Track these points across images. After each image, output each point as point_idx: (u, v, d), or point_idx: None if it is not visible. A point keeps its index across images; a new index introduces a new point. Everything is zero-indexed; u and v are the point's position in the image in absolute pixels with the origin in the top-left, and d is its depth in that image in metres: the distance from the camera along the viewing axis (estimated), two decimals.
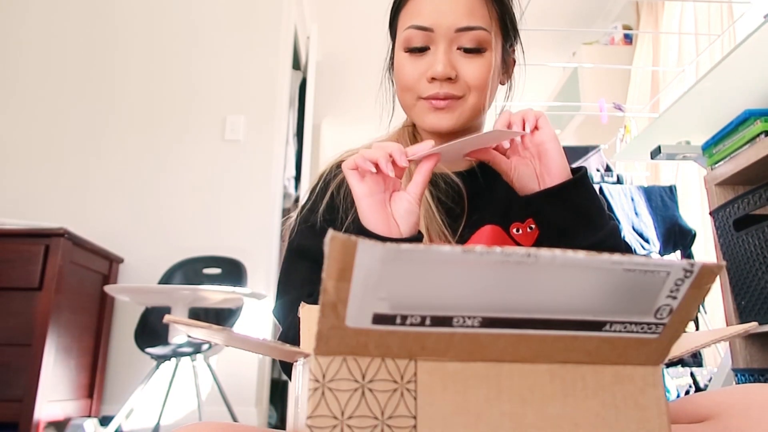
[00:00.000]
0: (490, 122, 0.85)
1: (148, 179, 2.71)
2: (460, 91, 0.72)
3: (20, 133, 2.76)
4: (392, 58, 0.81)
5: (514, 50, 0.81)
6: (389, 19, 0.80)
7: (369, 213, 0.62)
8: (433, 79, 0.71)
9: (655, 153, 1.83)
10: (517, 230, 0.76)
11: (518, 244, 0.75)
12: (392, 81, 0.84)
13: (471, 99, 0.73)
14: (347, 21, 3.85)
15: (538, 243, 0.75)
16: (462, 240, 0.74)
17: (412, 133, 0.82)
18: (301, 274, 0.73)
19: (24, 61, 2.85)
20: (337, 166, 0.80)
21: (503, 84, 0.82)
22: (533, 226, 0.75)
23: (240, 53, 2.89)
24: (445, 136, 0.76)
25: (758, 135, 1.44)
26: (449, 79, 0.71)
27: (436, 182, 0.77)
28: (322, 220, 0.75)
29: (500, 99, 0.85)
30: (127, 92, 2.83)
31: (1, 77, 2.83)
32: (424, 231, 0.71)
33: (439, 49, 0.71)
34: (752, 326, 0.37)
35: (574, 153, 2.61)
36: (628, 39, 3.48)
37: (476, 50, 0.72)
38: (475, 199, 0.77)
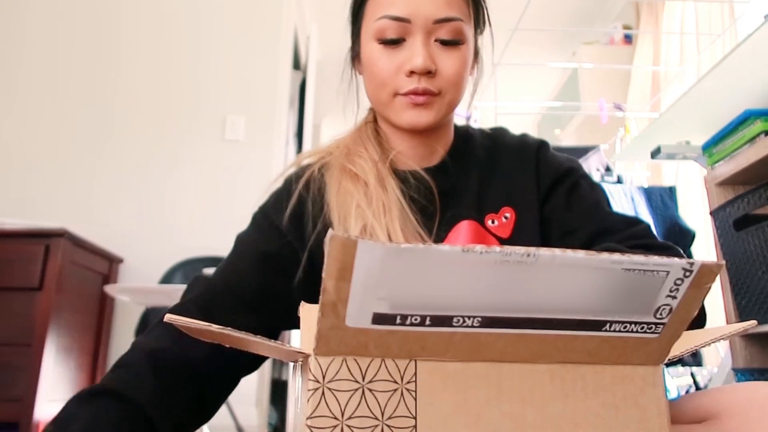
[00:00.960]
0: (456, 119, 0.83)
1: (148, 179, 2.71)
2: (437, 86, 0.69)
3: (21, 134, 2.76)
4: (355, 49, 0.77)
5: (478, 38, 0.77)
6: (353, 8, 0.76)
7: None
8: (412, 72, 0.67)
9: (655, 153, 1.83)
10: (493, 222, 0.73)
11: (495, 235, 0.73)
12: (355, 73, 0.79)
13: (448, 95, 0.70)
14: (347, 21, 3.85)
15: (516, 231, 0.72)
16: (439, 239, 0.71)
17: (374, 129, 0.78)
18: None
19: (25, 62, 2.85)
20: (300, 172, 0.77)
21: (471, 75, 0.78)
22: (508, 215, 0.73)
23: (240, 53, 2.89)
24: (420, 132, 0.73)
25: (758, 135, 1.44)
26: (428, 72, 0.68)
27: (406, 179, 0.73)
28: (288, 225, 0.72)
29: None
30: (128, 92, 2.83)
31: (3, 78, 2.83)
32: (399, 231, 0.68)
33: (417, 41, 0.67)
34: (751, 324, 0.36)
35: (574, 153, 2.61)
36: (628, 39, 3.48)
37: (454, 42, 0.69)
38: (446, 194, 0.74)
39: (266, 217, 0.75)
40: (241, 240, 0.76)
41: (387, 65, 0.69)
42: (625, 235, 0.68)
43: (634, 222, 0.71)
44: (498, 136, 0.82)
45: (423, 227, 0.70)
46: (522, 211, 0.74)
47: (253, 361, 0.69)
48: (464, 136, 0.81)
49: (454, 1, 0.68)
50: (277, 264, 0.71)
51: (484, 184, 0.76)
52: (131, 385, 0.57)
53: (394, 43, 0.69)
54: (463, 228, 0.73)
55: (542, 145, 0.80)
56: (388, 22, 0.68)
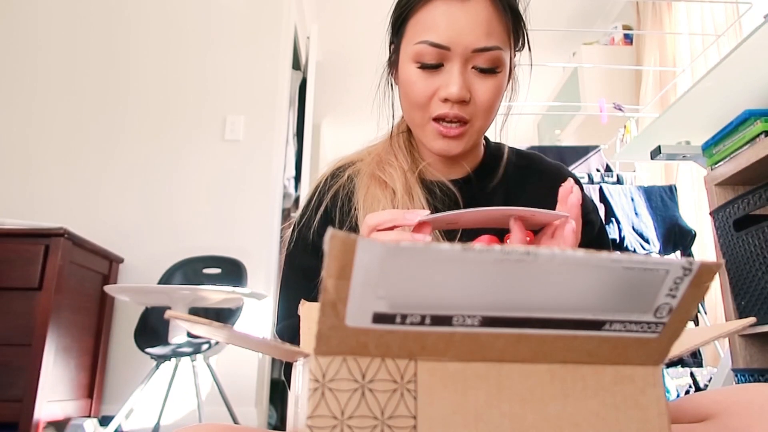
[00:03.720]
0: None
1: (147, 179, 2.71)
2: (469, 114, 0.70)
3: (21, 134, 2.76)
4: (393, 62, 0.78)
5: (515, 56, 0.78)
6: (393, 23, 0.76)
7: None
8: (447, 99, 0.68)
9: (655, 153, 1.83)
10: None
11: None
12: (392, 86, 0.81)
13: (478, 122, 0.71)
14: (347, 21, 3.85)
15: None
16: None
17: (408, 139, 0.80)
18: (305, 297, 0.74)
19: (27, 64, 2.86)
20: (331, 177, 0.79)
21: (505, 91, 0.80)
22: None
23: (240, 53, 2.89)
24: (449, 158, 0.76)
25: (758, 135, 1.44)
26: (463, 101, 0.69)
27: (433, 190, 0.76)
28: (316, 235, 0.75)
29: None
30: (127, 93, 2.83)
31: (3, 80, 2.83)
32: None
33: (455, 68, 0.68)
34: (750, 321, 0.37)
35: (574, 153, 2.61)
36: (628, 39, 3.48)
37: (491, 70, 0.69)
38: (471, 207, 0.76)
39: (300, 231, 0.78)
40: (289, 259, 0.79)
41: (423, 89, 0.70)
42: None
43: None
44: (533, 159, 0.84)
45: (444, 237, 0.72)
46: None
47: None
48: (495, 152, 0.83)
49: (495, 30, 0.68)
50: (317, 274, 0.74)
51: (510, 203, 0.77)
52: None
53: (432, 67, 0.69)
54: (483, 241, 0.74)
55: (577, 180, 0.82)
56: (428, 47, 0.68)
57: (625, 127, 2.75)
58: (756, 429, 0.47)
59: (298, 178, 3.38)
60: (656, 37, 3.07)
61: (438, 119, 0.70)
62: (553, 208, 0.75)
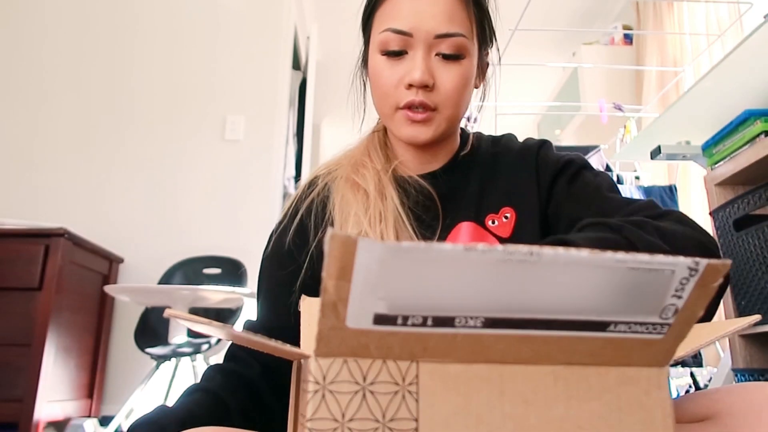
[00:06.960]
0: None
1: (148, 179, 2.70)
2: (435, 101, 0.70)
3: (20, 134, 2.76)
4: (365, 58, 0.79)
5: (488, 54, 0.79)
6: (363, 19, 0.77)
7: None
8: (410, 85, 0.69)
9: (655, 153, 1.83)
10: (493, 222, 0.74)
11: (495, 235, 0.74)
12: (364, 82, 0.81)
13: (446, 110, 0.71)
14: (347, 21, 3.84)
15: (516, 230, 0.73)
16: (441, 242, 0.73)
17: (383, 139, 0.80)
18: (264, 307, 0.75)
19: (22, 63, 2.85)
20: (308, 186, 0.80)
21: (477, 88, 0.79)
22: (508, 215, 0.74)
23: (240, 53, 2.88)
24: (421, 147, 0.76)
25: (758, 135, 1.43)
26: (426, 86, 0.69)
27: (406, 189, 0.75)
28: (291, 244, 0.75)
29: (475, 100, 0.83)
30: (127, 93, 2.82)
31: (3, 80, 2.83)
32: (392, 239, 0.70)
33: (417, 54, 0.69)
34: (755, 318, 0.36)
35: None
36: (628, 39, 3.48)
37: (455, 56, 0.70)
38: (447, 198, 0.75)
39: (276, 239, 0.78)
40: (263, 266, 0.79)
41: (389, 77, 0.71)
42: (627, 211, 0.66)
43: (636, 200, 0.70)
44: (504, 141, 0.83)
45: (422, 233, 0.72)
46: (522, 210, 0.74)
47: None
48: (471, 143, 0.82)
49: (457, 18, 0.69)
50: (291, 282, 0.74)
51: (486, 187, 0.77)
52: (205, 380, 0.67)
53: (396, 54, 0.70)
54: (463, 229, 0.74)
55: (543, 144, 0.81)
56: (391, 35, 0.69)
57: (625, 127, 2.74)
58: (756, 428, 0.47)
59: (298, 178, 3.38)
60: (656, 37, 3.07)
61: (405, 107, 0.70)
62: (527, 180, 0.75)
